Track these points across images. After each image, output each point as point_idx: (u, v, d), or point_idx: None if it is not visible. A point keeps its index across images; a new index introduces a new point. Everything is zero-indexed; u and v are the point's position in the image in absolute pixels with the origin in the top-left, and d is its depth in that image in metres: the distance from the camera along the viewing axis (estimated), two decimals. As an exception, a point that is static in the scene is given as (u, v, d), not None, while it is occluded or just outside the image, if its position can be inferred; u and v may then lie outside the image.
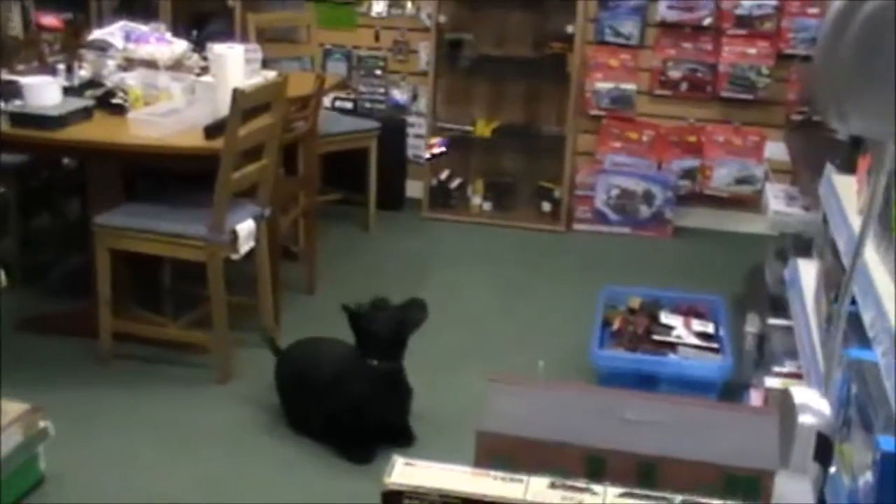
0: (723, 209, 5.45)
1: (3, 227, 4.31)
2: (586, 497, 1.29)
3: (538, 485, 1.30)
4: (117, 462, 3.19)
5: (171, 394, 3.59)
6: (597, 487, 1.30)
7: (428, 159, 4.10)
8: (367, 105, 5.67)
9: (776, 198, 4.06)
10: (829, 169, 2.97)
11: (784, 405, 1.82)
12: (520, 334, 4.16)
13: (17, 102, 3.61)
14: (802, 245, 3.59)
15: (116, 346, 3.73)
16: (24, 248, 4.40)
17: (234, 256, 3.64)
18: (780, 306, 3.59)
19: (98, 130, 3.63)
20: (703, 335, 3.84)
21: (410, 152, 5.66)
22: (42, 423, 3.00)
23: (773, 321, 3.51)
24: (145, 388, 3.62)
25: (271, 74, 4.04)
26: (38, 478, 3.00)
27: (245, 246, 3.66)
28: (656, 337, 3.81)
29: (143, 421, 3.42)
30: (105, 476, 3.10)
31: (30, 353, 3.79)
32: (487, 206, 5.60)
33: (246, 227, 3.65)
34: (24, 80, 3.67)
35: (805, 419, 1.79)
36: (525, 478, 1.31)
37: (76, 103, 3.69)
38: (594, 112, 5.45)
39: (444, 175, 5.63)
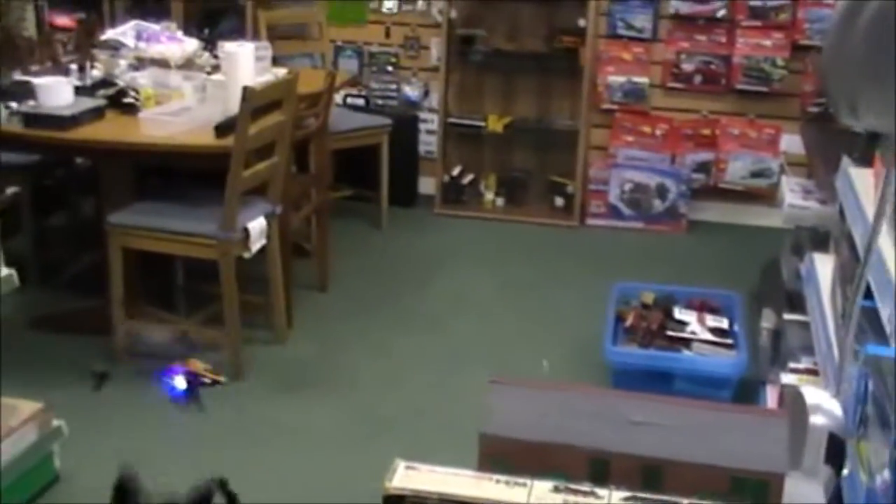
0: (737, 203, 5.41)
1: (17, 226, 4.32)
2: (590, 500, 1.27)
3: (542, 488, 1.29)
4: (129, 460, 3.18)
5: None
6: (601, 491, 1.28)
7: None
8: (379, 101, 5.66)
9: (792, 191, 4.02)
10: (846, 162, 2.94)
11: (795, 406, 1.80)
12: (532, 330, 4.14)
13: (31, 103, 3.62)
14: (819, 239, 3.55)
15: (130, 343, 3.74)
16: (38, 246, 4.41)
17: (246, 254, 3.63)
18: (795, 301, 3.55)
19: (110, 130, 3.63)
20: (717, 331, 3.82)
21: (422, 148, 5.64)
22: (56, 422, 3.00)
23: (788, 316, 3.48)
24: (158, 386, 3.61)
25: (282, 72, 4.03)
26: (53, 476, 3.01)
27: (257, 244, 3.65)
28: (670, 333, 3.79)
29: (156, 419, 3.42)
30: (116, 475, 3.10)
31: (44, 351, 3.80)
32: (500, 201, 5.58)
33: (257, 225, 3.65)
34: (38, 81, 3.67)
35: (816, 420, 1.77)
36: (528, 481, 1.29)
37: (88, 103, 3.69)
38: (607, 106, 5.43)
39: (456, 171, 5.61)
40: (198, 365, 3.63)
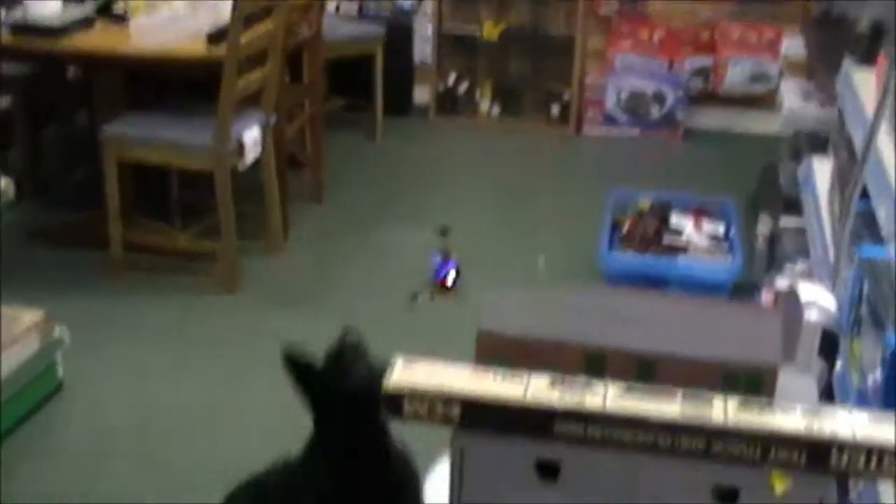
0: (736, 109, 5.37)
1: (10, 139, 4.30)
2: (587, 395, 1.29)
3: (538, 383, 1.30)
4: (128, 370, 3.23)
5: (179, 302, 3.62)
6: (597, 386, 1.30)
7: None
8: (372, 10, 5.56)
9: (792, 94, 4.00)
10: (848, 62, 2.91)
11: (790, 302, 1.81)
12: (527, 238, 4.15)
13: (18, 13, 3.56)
14: (817, 143, 3.54)
15: (126, 255, 3.75)
16: (33, 159, 4.39)
17: (241, 165, 3.62)
18: (792, 207, 3.56)
19: (100, 40, 3.59)
20: (713, 237, 3.83)
21: (417, 57, 5.58)
22: (58, 332, 3.03)
23: (785, 221, 3.49)
24: (154, 297, 3.64)
25: (273, -21, 3.96)
26: (56, 384, 3.05)
27: (251, 154, 3.64)
28: (666, 239, 3.80)
29: (153, 329, 3.45)
30: (116, 384, 3.15)
31: (41, 264, 3.81)
32: (496, 110, 5.54)
33: (252, 136, 3.63)
34: (24, -10, 3.62)
35: (811, 315, 1.79)
36: (525, 376, 1.31)
37: (77, 13, 3.64)
38: (604, 12, 5.35)
39: (451, 80, 5.56)
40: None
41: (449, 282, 3.66)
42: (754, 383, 1.32)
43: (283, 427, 2.73)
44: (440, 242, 3.68)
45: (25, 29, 3.50)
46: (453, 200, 4.55)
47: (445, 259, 3.72)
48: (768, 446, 1.23)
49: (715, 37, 5.27)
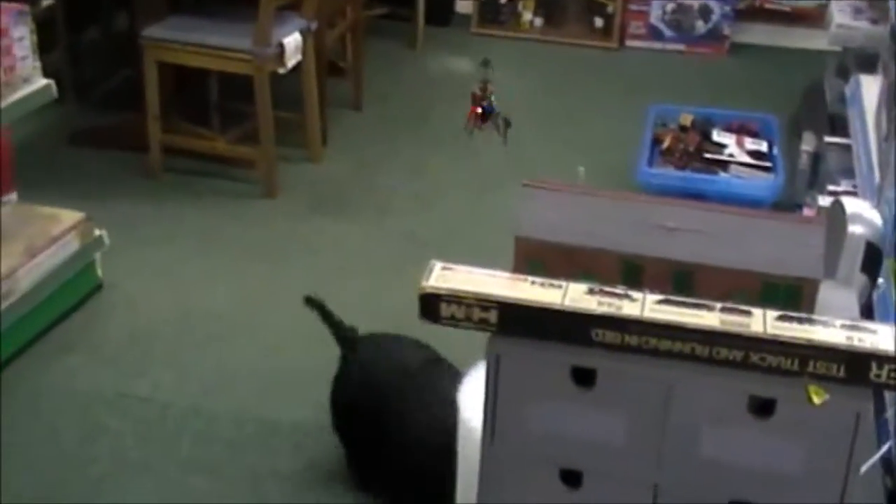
0: (783, 25, 5.25)
1: (51, 40, 4.28)
2: (625, 303, 1.28)
3: (576, 290, 1.29)
4: (165, 271, 3.27)
5: (218, 207, 3.64)
6: (635, 294, 1.29)
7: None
8: (417, -85, 5.45)
9: (841, 11, 3.89)
10: (902, -22, 2.83)
11: (834, 216, 1.79)
12: (566, 152, 4.11)
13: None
14: (866, 61, 3.47)
15: (165, 159, 3.76)
16: (73, 61, 4.38)
17: (281, 70, 3.60)
18: (837, 125, 3.50)
19: (142, -60, 3.56)
20: (756, 154, 3.78)
21: (461, -34, 5.48)
22: (97, 232, 3.06)
23: (830, 139, 3.44)
24: (193, 201, 3.66)
25: None
26: (96, 283, 3.09)
27: (292, 59, 3.61)
28: (707, 155, 3.75)
29: (191, 233, 3.48)
30: (154, 284, 3.19)
31: (81, 166, 3.84)
32: (538, 21, 5.45)
33: (292, 41, 3.60)
34: None
35: (855, 229, 1.77)
36: (563, 283, 1.30)
37: (118, -88, 3.61)
38: (652, -78, 5.22)
39: (494, -11, 5.47)
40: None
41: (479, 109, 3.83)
42: (794, 295, 1.31)
43: (314, 332, 2.76)
44: (481, 73, 3.74)
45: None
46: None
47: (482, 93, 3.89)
48: (806, 358, 1.22)
49: (766, -52, 5.13)
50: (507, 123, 3.80)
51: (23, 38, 2.74)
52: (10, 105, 2.69)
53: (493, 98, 3.74)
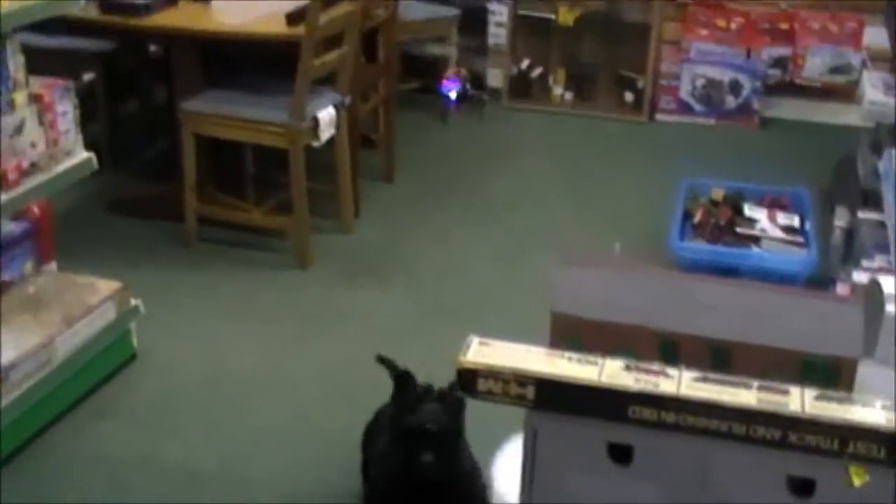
0: (814, 100, 5.28)
1: (92, 112, 4.38)
2: (661, 380, 1.29)
3: (613, 367, 1.30)
4: (198, 340, 3.29)
5: (251, 276, 3.67)
6: (672, 371, 1.30)
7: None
8: (448, -8, 5.57)
9: (873, 87, 3.92)
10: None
11: (871, 294, 1.79)
12: (596, 224, 4.13)
13: (105, -11, 3.64)
14: (900, 136, 3.48)
15: (200, 229, 3.81)
16: (113, 132, 4.48)
17: (315, 143, 3.66)
18: (871, 199, 3.49)
19: (183, 17, 3.65)
20: (788, 228, 3.77)
21: (491, 41, 5.57)
22: (133, 301, 3.09)
23: (863, 214, 3.43)
24: (226, 269, 3.70)
25: (352, -41, 3.98)
26: (130, 353, 3.11)
27: (326, 133, 3.67)
28: (739, 229, 3.75)
29: (224, 301, 3.51)
30: (187, 353, 3.21)
31: (119, 234, 3.89)
32: (569, 95, 5.51)
33: (326, 114, 3.66)
34: (112, -33, 3.68)
35: (892, 307, 1.76)
36: (600, 359, 1.31)
37: (161, -10, 3.70)
38: (681, -1, 5.30)
39: (524, 64, 5.54)
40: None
41: (453, 95, 4.67)
42: (833, 374, 1.31)
43: (345, 398, 2.78)
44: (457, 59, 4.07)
45: (113, 5, 3.57)
46: (524, 184, 4.56)
47: (454, 76, 4.21)
48: (846, 438, 1.22)
49: (794, 26, 5.18)
50: (483, 103, 4.66)
51: (66, 112, 2.81)
52: (53, 178, 2.75)
53: (467, 83, 4.66)
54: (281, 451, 2.76)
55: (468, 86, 5.15)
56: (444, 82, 5.07)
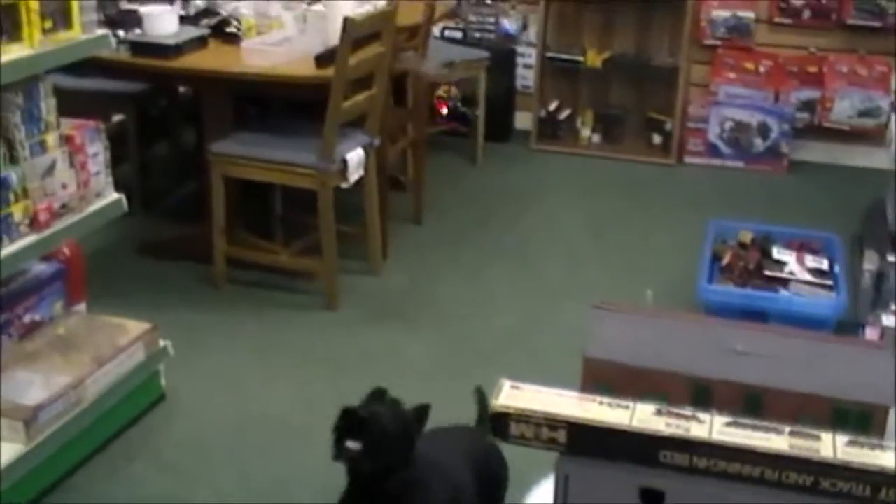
0: (843, 143, 5.27)
1: (122, 154, 4.43)
2: (693, 425, 1.28)
3: (644, 411, 1.30)
4: (227, 381, 3.29)
5: (279, 318, 3.68)
6: (703, 415, 1.29)
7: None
8: (477, 34, 5.61)
9: (902, 131, 3.91)
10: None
11: (901, 341, 1.77)
12: (625, 267, 4.13)
13: (137, 31, 3.68)
14: (929, 180, 3.46)
15: (229, 270, 3.83)
16: (143, 174, 4.53)
17: (344, 185, 3.68)
18: (901, 244, 3.48)
19: (213, 59, 3.69)
20: (817, 272, 3.75)
21: (519, 83, 5.61)
22: (162, 343, 3.11)
23: (892, 258, 3.41)
24: (255, 311, 3.71)
25: (381, 3, 4.02)
26: (159, 394, 3.12)
27: (354, 175, 3.69)
28: (768, 272, 3.73)
29: (252, 343, 3.51)
30: (215, 395, 3.21)
31: (148, 276, 3.92)
32: (596, 137, 5.53)
33: (356, 156, 3.68)
34: (144, 9, 3.73)
35: (922, 355, 1.74)
36: (631, 404, 1.30)
37: (192, 32, 3.75)
38: (709, 42, 5.31)
39: (553, 106, 5.57)
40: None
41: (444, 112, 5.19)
42: (865, 421, 1.29)
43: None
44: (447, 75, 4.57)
45: (144, 48, 3.61)
46: (552, 226, 4.56)
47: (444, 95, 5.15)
48: (879, 485, 1.20)
49: (823, 69, 5.18)
50: (474, 118, 4.85)
51: (97, 154, 2.84)
52: (83, 219, 2.78)
53: (458, 102, 5.01)
54: (311, 494, 2.75)
55: (459, 104, 5.32)
56: (436, 101, 5.34)
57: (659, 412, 1.28)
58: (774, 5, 5.18)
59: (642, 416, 1.28)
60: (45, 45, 2.56)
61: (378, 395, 2.16)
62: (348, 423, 2.04)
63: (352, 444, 1.99)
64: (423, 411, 2.06)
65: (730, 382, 1.32)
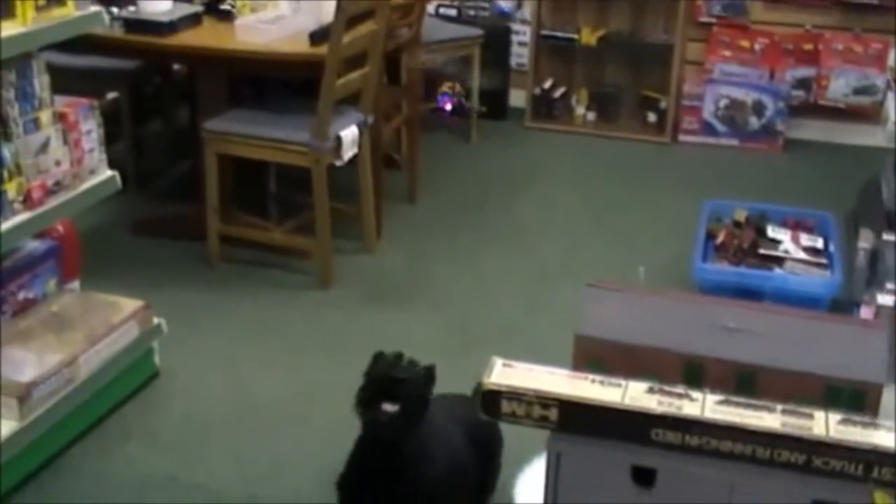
0: (838, 121, 5.26)
1: (115, 132, 4.42)
2: (685, 403, 1.28)
3: (636, 389, 1.30)
4: (221, 360, 3.29)
5: (274, 297, 3.67)
6: (695, 394, 1.29)
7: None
8: (471, 12, 5.59)
9: (898, 108, 3.91)
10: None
11: (895, 321, 1.77)
12: (619, 245, 4.12)
13: (131, 8, 3.67)
14: (924, 158, 3.46)
15: (223, 249, 3.83)
16: (137, 153, 4.51)
17: (338, 163, 3.67)
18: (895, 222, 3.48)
19: (207, 37, 3.67)
20: (811, 250, 3.75)
21: (514, 61, 5.59)
22: (156, 320, 3.10)
23: (888, 237, 3.41)
24: (249, 290, 3.71)
25: (376, -20, 4.01)
26: (153, 372, 3.12)
27: (348, 152, 3.68)
28: (762, 251, 3.74)
29: (246, 322, 3.51)
30: (209, 373, 3.21)
31: (142, 254, 3.91)
32: (591, 116, 5.52)
33: (349, 134, 3.67)
34: (137, -14, 3.72)
35: (916, 333, 1.75)
36: (623, 382, 1.30)
37: (187, 9, 3.74)
38: (704, 19, 5.29)
39: (547, 84, 5.55)
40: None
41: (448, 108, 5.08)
42: (858, 399, 1.30)
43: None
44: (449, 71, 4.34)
45: (138, 25, 3.60)
46: (546, 204, 4.55)
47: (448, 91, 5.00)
48: (871, 463, 1.20)
49: (819, 47, 5.17)
50: (478, 113, 4.92)
51: (91, 131, 2.82)
52: (77, 197, 2.77)
53: (462, 98, 5.05)
54: (306, 475, 2.76)
55: (462, 100, 5.34)
56: (440, 97, 5.33)
57: (651, 390, 1.28)
58: (770, -17, 5.17)
59: (634, 395, 1.28)
60: (39, 21, 2.54)
61: (396, 357, 2.16)
62: (382, 386, 2.01)
63: (389, 407, 1.98)
64: (431, 372, 2.06)
65: (722, 360, 1.32)
